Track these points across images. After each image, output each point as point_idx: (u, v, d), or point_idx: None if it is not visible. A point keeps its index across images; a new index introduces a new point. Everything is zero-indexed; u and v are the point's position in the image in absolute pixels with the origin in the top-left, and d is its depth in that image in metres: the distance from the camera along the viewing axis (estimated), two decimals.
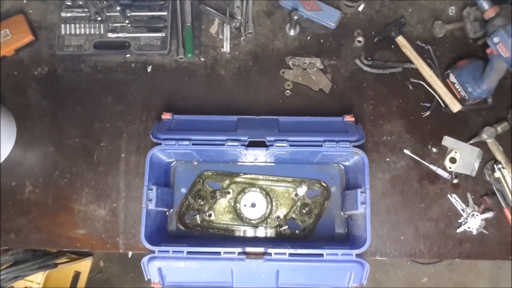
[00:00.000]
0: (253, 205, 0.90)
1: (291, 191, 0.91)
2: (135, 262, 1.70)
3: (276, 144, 0.82)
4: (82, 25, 0.96)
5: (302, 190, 0.90)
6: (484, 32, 0.92)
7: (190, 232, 0.90)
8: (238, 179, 0.92)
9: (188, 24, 0.97)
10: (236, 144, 0.82)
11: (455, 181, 0.91)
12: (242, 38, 0.99)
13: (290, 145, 0.82)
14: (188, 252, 0.79)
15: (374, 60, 0.96)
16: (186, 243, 0.83)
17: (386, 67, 0.96)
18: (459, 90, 0.92)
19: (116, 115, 0.95)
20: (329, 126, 0.86)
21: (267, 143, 0.82)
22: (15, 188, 0.91)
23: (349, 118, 0.87)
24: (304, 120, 0.88)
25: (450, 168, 0.91)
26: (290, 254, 0.79)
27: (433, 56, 0.96)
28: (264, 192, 0.91)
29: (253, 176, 0.92)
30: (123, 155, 0.93)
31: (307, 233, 0.90)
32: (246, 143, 0.82)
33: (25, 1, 1.01)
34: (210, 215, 0.91)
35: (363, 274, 0.78)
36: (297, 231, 0.90)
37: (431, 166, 0.90)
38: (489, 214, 0.88)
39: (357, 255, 0.78)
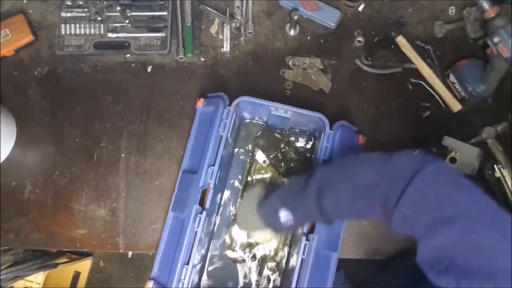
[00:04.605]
0: None
1: None
2: (135, 262, 1.70)
3: None
4: (82, 25, 0.96)
5: None
6: (484, 32, 0.92)
7: None
8: None
9: (188, 24, 0.97)
10: None
11: None
12: (242, 38, 0.99)
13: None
14: None
15: (374, 60, 0.96)
16: None
17: (386, 67, 0.96)
18: (459, 90, 0.92)
19: (116, 115, 0.95)
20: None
21: None
22: (15, 188, 0.91)
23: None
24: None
25: None
26: None
27: (433, 56, 0.96)
28: None
29: None
30: (123, 155, 0.93)
31: None
32: None
33: (25, 1, 1.01)
34: None
35: None
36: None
37: None
38: None
39: None
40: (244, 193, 0.85)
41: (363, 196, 0.58)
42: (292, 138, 0.92)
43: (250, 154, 0.91)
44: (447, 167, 0.55)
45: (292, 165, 0.89)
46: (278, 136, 0.91)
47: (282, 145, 0.89)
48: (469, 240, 0.45)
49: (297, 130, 0.91)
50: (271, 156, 0.89)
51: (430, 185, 0.51)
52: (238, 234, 0.87)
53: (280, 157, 0.89)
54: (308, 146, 0.91)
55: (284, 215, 0.66)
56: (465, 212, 0.48)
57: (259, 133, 0.91)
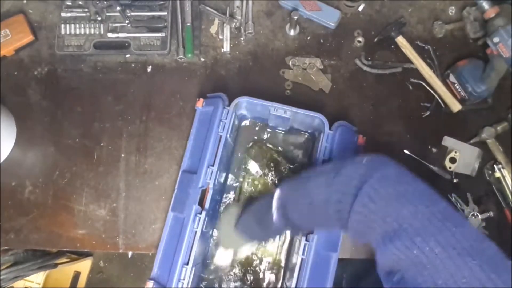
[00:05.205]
0: None
1: None
2: (135, 262, 1.70)
3: None
4: (82, 25, 0.96)
5: None
6: (484, 32, 0.92)
7: None
8: None
9: (188, 24, 0.97)
10: None
11: (455, 181, 0.91)
12: (242, 38, 0.99)
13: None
14: None
15: (374, 60, 0.96)
16: None
17: (386, 67, 0.96)
18: (459, 90, 0.92)
19: (116, 115, 0.95)
20: None
21: None
22: (15, 188, 0.91)
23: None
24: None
25: (450, 168, 0.91)
26: None
27: (433, 56, 0.96)
28: None
29: None
30: (123, 155, 0.93)
31: None
32: None
33: (25, 1, 1.01)
34: None
35: None
36: None
37: (431, 166, 0.90)
38: (489, 214, 0.88)
39: None
40: (221, 216, 0.88)
41: (320, 211, 0.59)
42: (284, 148, 0.92)
43: (243, 166, 0.91)
44: (393, 172, 0.54)
45: (286, 174, 0.89)
46: (270, 146, 0.91)
47: (275, 155, 0.89)
48: (413, 255, 0.45)
49: (296, 130, 0.91)
50: (264, 166, 0.89)
51: (373, 199, 0.51)
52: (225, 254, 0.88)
53: (273, 167, 0.89)
54: (308, 147, 0.91)
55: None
56: (407, 225, 0.47)
57: (250, 144, 0.91)
